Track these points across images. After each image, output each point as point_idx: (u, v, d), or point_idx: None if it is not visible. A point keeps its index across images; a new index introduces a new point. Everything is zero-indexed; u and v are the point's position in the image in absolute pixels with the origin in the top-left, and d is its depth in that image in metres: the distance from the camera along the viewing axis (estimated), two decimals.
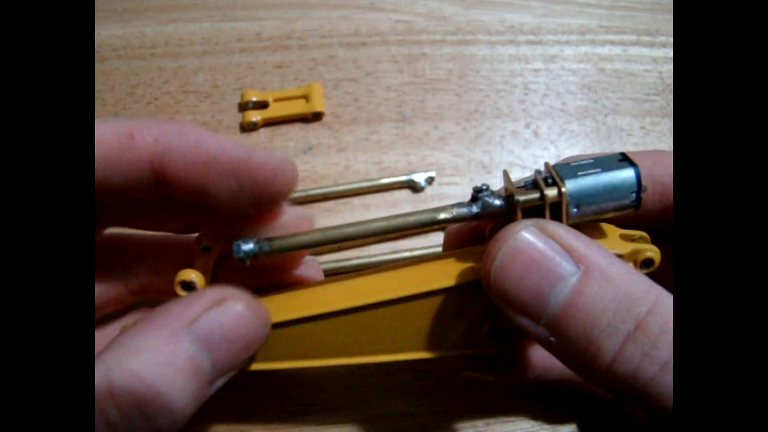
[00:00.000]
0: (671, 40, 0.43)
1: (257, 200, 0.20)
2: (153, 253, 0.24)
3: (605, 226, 0.22)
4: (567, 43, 0.43)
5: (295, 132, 0.39)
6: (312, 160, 0.38)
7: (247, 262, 0.21)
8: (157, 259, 0.24)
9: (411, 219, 0.21)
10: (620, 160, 0.20)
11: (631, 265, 0.20)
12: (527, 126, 0.40)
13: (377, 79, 0.41)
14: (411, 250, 0.34)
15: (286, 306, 0.23)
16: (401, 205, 0.37)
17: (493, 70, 0.42)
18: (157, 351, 0.18)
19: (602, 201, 0.19)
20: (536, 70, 0.42)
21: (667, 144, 0.39)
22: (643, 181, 0.19)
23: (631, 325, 0.17)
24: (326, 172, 0.37)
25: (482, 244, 0.22)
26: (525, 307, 0.18)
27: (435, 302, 0.21)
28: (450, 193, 0.37)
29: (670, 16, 0.44)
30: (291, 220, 0.22)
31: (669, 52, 0.43)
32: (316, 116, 0.39)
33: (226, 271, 0.23)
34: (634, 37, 0.44)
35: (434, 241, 0.35)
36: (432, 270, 0.22)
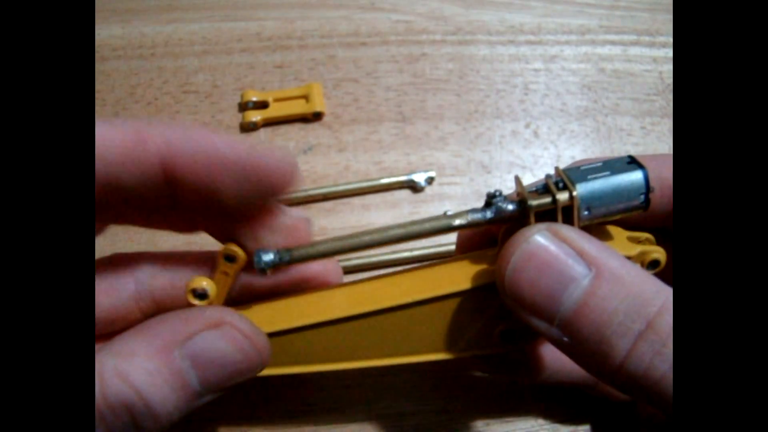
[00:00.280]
0: (671, 40, 0.43)
1: (262, 194, 0.21)
2: (166, 270, 0.24)
3: (612, 228, 0.22)
4: (567, 43, 0.43)
5: (295, 132, 0.39)
6: (312, 160, 0.38)
7: (268, 273, 0.22)
8: (170, 277, 0.24)
9: (427, 225, 0.21)
10: (628, 163, 0.20)
11: (638, 266, 0.20)
12: (527, 126, 0.40)
13: (377, 79, 0.41)
14: (411, 249, 0.34)
15: (302, 310, 0.23)
16: (401, 205, 0.37)
17: (493, 70, 0.42)
18: (149, 359, 0.18)
19: (612, 203, 0.20)
20: (536, 70, 0.42)
21: (667, 144, 0.39)
22: (651, 183, 0.20)
23: (642, 324, 0.17)
24: (326, 172, 0.37)
25: (494, 247, 0.23)
26: (539, 309, 0.19)
27: (450, 305, 0.22)
28: (450, 193, 0.37)
29: (670, 16, 0.44)
30: (290, 221, 0.23)
31: (669, 52, 0.43)
32: (316, 116, 0.39)
33: (248, 273, 0.23)
34: (634, 37, 0.44)
35: (434, 240, 0.35)
36: (446, 273, 0.23)
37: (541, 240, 0.19)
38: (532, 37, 0.43)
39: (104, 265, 0.24)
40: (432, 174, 0.37)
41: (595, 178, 0.20)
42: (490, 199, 0.21)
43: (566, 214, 0.20)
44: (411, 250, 0.34)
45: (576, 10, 0.45)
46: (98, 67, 0.41)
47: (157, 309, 0.24)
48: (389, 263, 0.34)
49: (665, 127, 0.40)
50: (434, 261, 0.24)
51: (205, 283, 0.22)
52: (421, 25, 0.43)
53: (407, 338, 0.22)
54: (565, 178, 0.20)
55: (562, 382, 0.27)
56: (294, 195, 0.35)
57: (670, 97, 0.41)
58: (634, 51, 0.43)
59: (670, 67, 0.42)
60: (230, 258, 0.22)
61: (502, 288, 0.19)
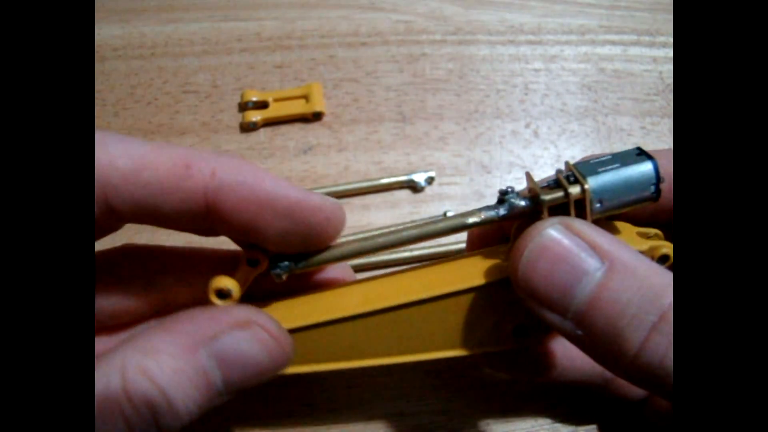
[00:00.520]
0: (671, 40, 0.43)
1: (307, 242, 0.21)
2: (179, 266, 0.24)
3: (621, 224, 0.22)
4: (567, 43, 0.43)
5: (295, 132, 0.39)
6: (312, 160, 0.38)
7: (284, 278, 0.22)
8: (183, 273, 0.24)
9: (441, 225, 0.22)
10: (638, 155, 0.20)
11: (650, 259, 0.20)
12: (527, 126, 0.40)
13: (377, 79, 0.41)
14: (411, 250, 0.34)
15: (317, 308, 0.23)
16: (401, 206, 0.37)
17: (493, 70, 0.42)
18: (174, 357, 0.18)
19: (623, 195, 0.20)
20: (536, 70, 0.42)
21: (667, 144, 0.39)
22: (661, 173, 0.20)
23: (655, 316, 0.17)
24: (326, 172, 0.37)
25: (506, 243, 0.23)
26: (552, 302, 0.19)
27: (464, 301, 0.22)
28: (450, 193, 0.37)
29: (670, 16, 0.44)
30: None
31: (669, 52, 0.43)
32: (316, 116, 0.39)
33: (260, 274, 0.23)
34: (634, 37, 0.44)
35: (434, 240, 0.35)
36: (459, 270, 0.23)
37: (554, 233, 0.19)
38: (532, 37, 0.43)
39: (115, 256, 0.24)
40: (432, 174, 0.37)
41: (606, 171, 0.20)
42: (503, 196, 0.21)
43: (578, 207, 0.20)
44: (411, 250, 0.34)
45: (576, 10, 0.45)
46: (98, 67, 0.41)
47: (166, 304, 0.24)
48: (390, 263, 0.34)
49: (665, 127, 0.40)
50: (445, 258, 0.24)
51: (230, 283, 0.21)
52: (421, 25, 0.43)
53: (421, 335, 0.23)
54: (576, 172, 0.20)
55: (573, 380, 0.27)
56: None
57: (670, 97, 0.41)
58: (634, 51, 0.43)
59: (670, 67, 0.42)
60: (253, 263, 0.22)
61: (515, 282, 0.20)
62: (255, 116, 0.39)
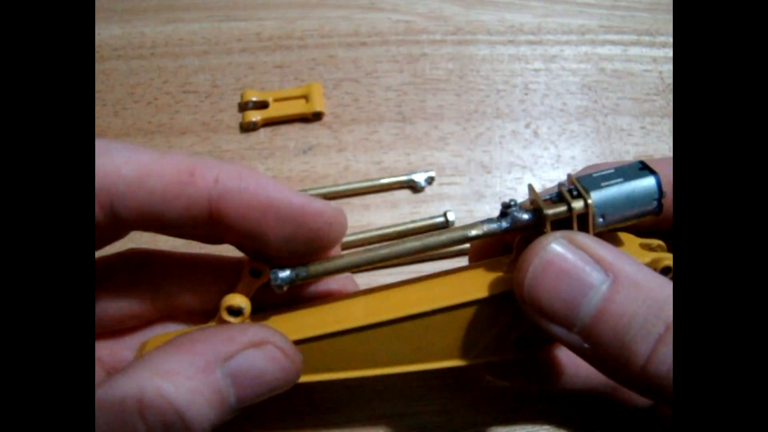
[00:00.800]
0: (671, 40, 0.43)
1: (309, 247, 0.21)
2: (183, 271, 0.24)
3: (624, 236, 0.22)
4: (567, 43, 0.43)
5: (294, 132, 0.39)
6: (312, 160, 0.38)
7: (285, 289, 0.22)
8: (187, 279, 0.24)
9: (444, 237, 0.22)
10: (640, 169, 0.20)
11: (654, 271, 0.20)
12: (527, 126, 0.40)
13: (377, 79, 0.41)
14: None
15: (320, 319, 0.23)
16: (401, 205, 0.37)
17: (493, 70, 0.42)
18: (190, 378, 0.18)
19: (626, 209, 0.20)
20: (536, 70, 0.42)
21: (667, 144, 0.39)
22: (663, 188, 0.20)
23: (661, 327, 0.17)
24: (326, 172, 0.37)
25: (508, 254, 0.23)
26: (558, 316, 0.19)
27: (466, 313, 0.22)
28: (450, 193, 0.37)
29: (670, 16, 0.44)
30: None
31: (669, 52, 0.43)
32: (316, 116, 0.39)
33: (262, 285, 0.23)
34: (634, 37, 0.44)
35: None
36: (462, 282, 0.23)
37: (558, 248, 0.19)
38: (532, 37, 0.43)
39: (120, 261, 0.24)
40: (432, 174, 0.37)
41: (609, 186, 0.20)
42: (506, 209, 0.21)
43: (581, 221, 0.20)
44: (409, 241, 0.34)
45: (576, 10, 0.45)
46: (98, 67, 0.41)
47: (171, 309, 0.24)
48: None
49: (665, 127, 0.40)
50: (449, 270, 0.24)
51: (242, 301, 0.22)
52: (421, 25, 0.43)
53: (423, 346, 0.23)
54: (579, 186, 0.20)
55: (579, 389, 0.27)
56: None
57: (670, 97, 0.41)
58: (634, 51, 0.43)
59: (670, 67, 0.42)
60: (256, 273, 0.22)
61: (521, 297, 0.20)
62: (255, 116, 0.39)
